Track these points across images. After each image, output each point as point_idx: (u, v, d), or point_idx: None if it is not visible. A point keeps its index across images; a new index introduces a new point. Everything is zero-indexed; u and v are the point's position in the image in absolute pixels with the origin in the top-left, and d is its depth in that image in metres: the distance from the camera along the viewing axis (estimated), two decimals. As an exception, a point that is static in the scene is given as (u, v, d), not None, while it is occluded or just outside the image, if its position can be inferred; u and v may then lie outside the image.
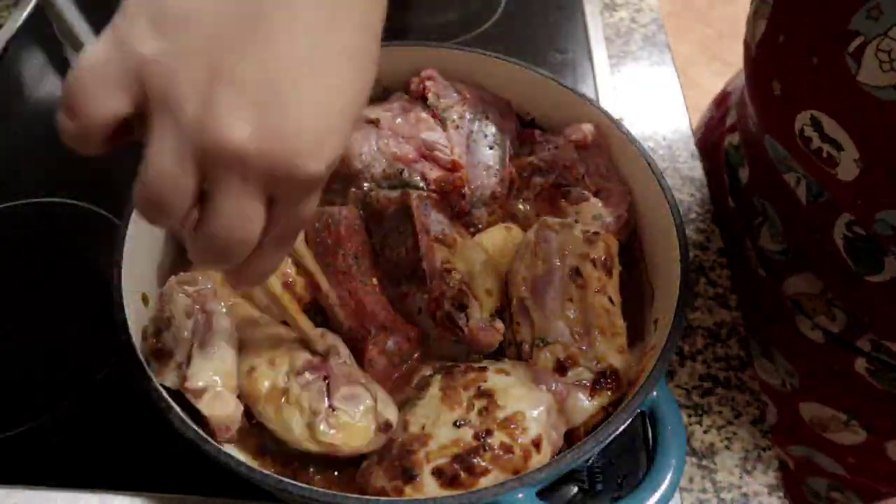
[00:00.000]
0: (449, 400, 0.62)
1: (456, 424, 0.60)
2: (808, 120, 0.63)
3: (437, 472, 0.58)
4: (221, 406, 0.62)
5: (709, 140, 1.01)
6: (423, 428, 0.61)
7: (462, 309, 0.67)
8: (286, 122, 0.40)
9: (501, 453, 0.59)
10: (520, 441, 0.59)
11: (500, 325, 0.68)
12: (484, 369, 0.64)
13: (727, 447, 0.76)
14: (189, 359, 0.63)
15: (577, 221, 0.75)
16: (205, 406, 0.62)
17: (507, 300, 0.71)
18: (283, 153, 0.40)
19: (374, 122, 0.82)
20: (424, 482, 0.58)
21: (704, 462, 0.75)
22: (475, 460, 0.58)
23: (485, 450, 0.59)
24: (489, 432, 0.60)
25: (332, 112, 0.42)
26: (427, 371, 0.68)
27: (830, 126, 0.60)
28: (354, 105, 0.44)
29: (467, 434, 0.60)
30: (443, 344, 0.70)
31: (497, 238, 0.75)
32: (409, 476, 0.59)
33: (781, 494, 0.73)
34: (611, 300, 0.70)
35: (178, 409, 0.61)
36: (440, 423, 0.61)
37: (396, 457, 0.61)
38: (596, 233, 0.72)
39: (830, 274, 0.75)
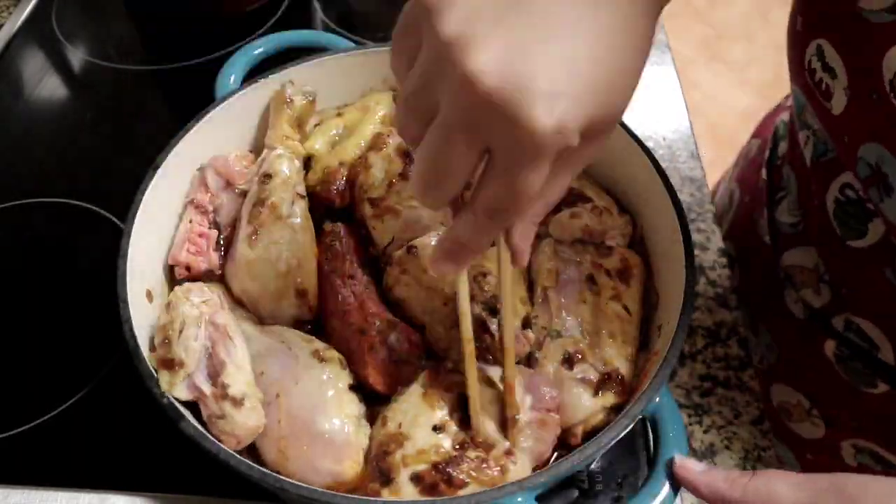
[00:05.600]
0: (429, 399, 0.62)
1: (435, 429, 0.60)
2: (815, 50, 0.68)
3: (416, 479, 0.58)
4: (257, 418, 0.63)
5: (764, 124, 1.07)
6: (400, 426, 0.61)
7: (494, 314, 0.65)
8: (526, 64, 0.39)
9: (477, 466, 0.58)
10: (493, 454, 0.59)
11: (530, 335, 0.67)
12: None
13: (727, 447, 0.76)
14: (199, 368, 0.64)
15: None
16: (242, 415, 0.62)
17: (530, 288, 0.71)
18: (512, 91, 0.39)
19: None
20: (401, 487, 0.58)
21: (704, 462, 0.75)
22: (454, 472, 0.58)
23: (463, 461, 0.58)
24: (465, 444, 0.59)
25: (578, 74, 0.42)
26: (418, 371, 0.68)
27: (830, 53, 0.65)
28: (607, 79, 0.43)
29: (446, 442, 0.59)
30: (460, 349, 0.68)
31: None
32: (385, 478, 0.59)
33: (781, 495, 0.73)
34: (626, 309, 0.70)
35: (190, 416, 0.62)
36: (418, 424, 0.61)
37: (374, 457, 0.60)
38: (609, 247, 0.74)
39: (823, 242, 0.80)
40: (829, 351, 0.83)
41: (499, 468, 0.59)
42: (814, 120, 0.74)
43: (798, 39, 0.72)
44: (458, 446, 0.59)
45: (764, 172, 0.97)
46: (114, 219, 0.92)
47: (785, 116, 0.97)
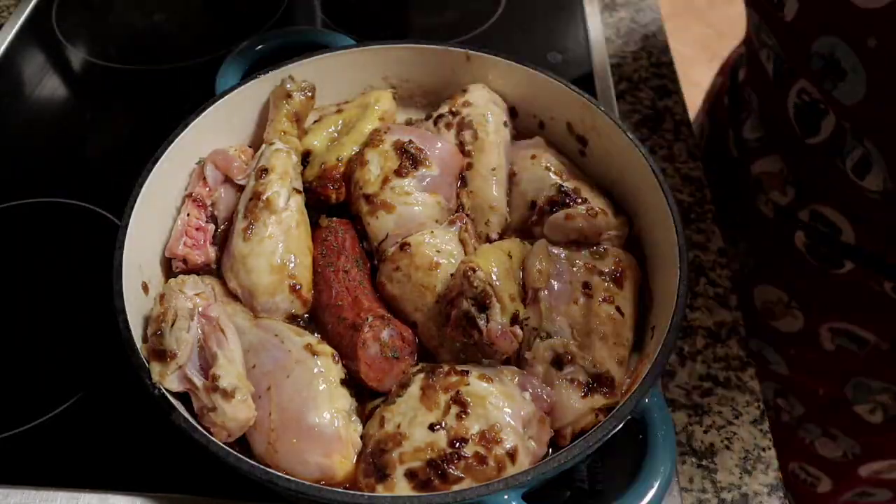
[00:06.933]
0: (427, 400, 0.62)
1: (432, 428, 0.60)
2: None
3: (410, 475, 0.59)
4: (247, 410, 0.63)
5: (726, 63, 1.17)
6: (399, 427, 0.61)
7: (483, 310, 0.66)
8: None
9: (475, 463, 0.59)
10: (495, 452, 0.59)
11: (518, 332, 0.67)
12: (466, 373, 0.64)
13: (727, 447, 0.76)
14: (190, 360, 0.64)
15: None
16: (232, 408, 0.62)
17: (522, 290, 0.72)
18: None
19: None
20: (396, 483, 0.59)
21: (704, 462, 0.75)
22: (449, 468, 0.58)
23: (458, 458, 0.59)
24: (464, 440, 0.60)
25: None
26: (411, 369, 0.68)
27: None
28: None
29: (442, 439, 0.60)
30: (451, 346, 0.69)
31: (515, 249, 0.75)
32: (381, 475, 0.59)
33: (781, 495, 0.73)
34: (619, 311, 0.70)
35: (182, 409, 0.62)
36: (416, 424, 0.61)
37: (370, 454, 0.61)
38: (604, 249, 0.74)
39: (785, 145, 0.92)
40: (799, 242, 0.92)
41: (496, 465, 0.59)
42: (768, 35, 0.82)
43: None
44: (454, 442, 0.59)
45: (726, 99, 1.06)
46: (113, 218, 0.92)
47: (741, 49, 1.06)
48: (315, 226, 0.78)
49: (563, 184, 0.77)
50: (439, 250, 0.72)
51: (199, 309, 0.66)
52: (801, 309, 0.98)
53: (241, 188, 0.78)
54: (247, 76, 0.85)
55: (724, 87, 1.10)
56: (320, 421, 0.62)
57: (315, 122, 0.87)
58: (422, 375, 0.65)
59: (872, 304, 0.90)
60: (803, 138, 0.84)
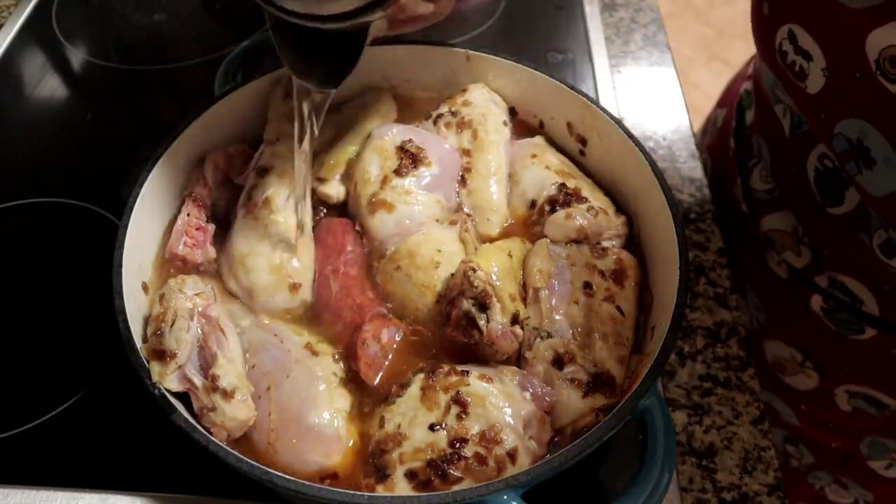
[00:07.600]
0: (427, 400, 0.62)
1: (432, 428, 0.60)
2: (786, 34, 0.70)
3: (410, 475, 0.59)
4: (247, 410, 0.63)
5: (728, 92, 1.10)
6: (399, 427, 0.61)
7: (483, 310, 0.66)
8: None
9: (475, 463, 0.59)
10: (495, 452, 0.59)
11: (519, 331, 0.67)
12: (466, 373, 0.64)
13: (727, 447, 0.76)
14: (190, 360, 0.64)
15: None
16: (232, 408, 0.62)
17: (523, 290, 0.71)
18: None
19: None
20: (396, 483, 0.59)
21: (704, 462, 0.75)
22: (449, 468, 0.58)
23: (458, 458, 0.59)
24: (464, 441, 0.59)
25: None
26: (412, 369, 0.68)
27: (803, 37, 0.67)
28: None
29: (442, 439, 0.60)
30: (452, 347, 0.69)
31: (515, 249, 0.75)
32: (381, 475, 0.60)
33: (782, 494, 0.73)
34: (620, 310, 0.70)
35: (182, 409, 0.62)
36: (416, 424, 0.61)
37: (371, 454, 0.61)
38: (605, 248, 0.74)
39: (802, 208, 0.84)
40: (815, 306, 0.87)
41: (496, 466, 0.59)
42: (785, 95, 0.77)
43: (766, 24, 0.74)
44: (455, 442, 0.59)
45: (732, 142, 0.99)
46: (113, 218, 0.92)
47: (748, 85, 0.98)
48: (315, 226, 0.78)
49: (564, 183, 0.78)
50: (440, 250, 0.73)
51: (199, 309, 0.66)
52: (816, 369, 0.93)
53: (241, 188, 0.78)
54: (247, 76, 0.85)
55: (729, 124, 1.02)
56: (320, 421, 0.62)
57: None
58: (422, 375, 0.65)
59: (894, 369, 0.85)
60: (823, 206, 0.77)
